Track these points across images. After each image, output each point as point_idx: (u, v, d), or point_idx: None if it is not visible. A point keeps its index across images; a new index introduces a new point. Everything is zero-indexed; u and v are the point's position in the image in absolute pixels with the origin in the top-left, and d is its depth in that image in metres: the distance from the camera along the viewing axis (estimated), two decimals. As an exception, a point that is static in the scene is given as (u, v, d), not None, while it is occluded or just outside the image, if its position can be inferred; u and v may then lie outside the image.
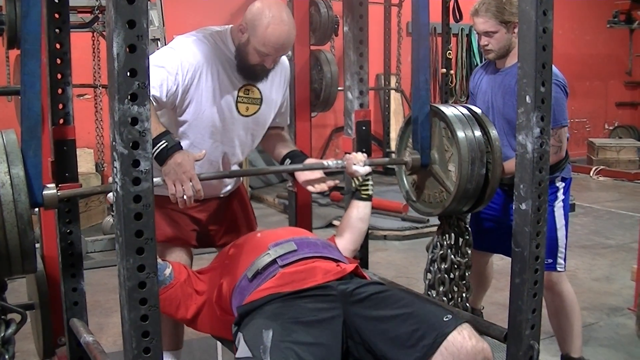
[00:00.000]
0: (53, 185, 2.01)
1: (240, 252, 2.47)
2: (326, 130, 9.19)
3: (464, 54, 9.64)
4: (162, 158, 2.29)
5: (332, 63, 6.40)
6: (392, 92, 9.11)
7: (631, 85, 11.95)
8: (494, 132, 2.53)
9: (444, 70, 5.06)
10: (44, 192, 1.97)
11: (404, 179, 2.84)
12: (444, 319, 2.01)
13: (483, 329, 2.25)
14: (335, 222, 6.47)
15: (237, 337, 2.17)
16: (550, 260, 3.07)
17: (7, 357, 1.99)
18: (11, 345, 2.00)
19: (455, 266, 2.74)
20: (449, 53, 4.93)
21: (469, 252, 2.77)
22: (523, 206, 1.86)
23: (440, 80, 5.11)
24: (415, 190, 2.81)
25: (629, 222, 6.88)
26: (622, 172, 9.45)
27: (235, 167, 2.85)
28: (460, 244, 2.75)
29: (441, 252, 2.73)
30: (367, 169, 2.64)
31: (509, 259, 1.99)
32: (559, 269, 3.16)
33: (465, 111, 2.58)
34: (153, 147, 2.26)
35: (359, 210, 2.68)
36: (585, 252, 5.79)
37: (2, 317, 2.00)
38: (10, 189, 1.81)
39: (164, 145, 2.30)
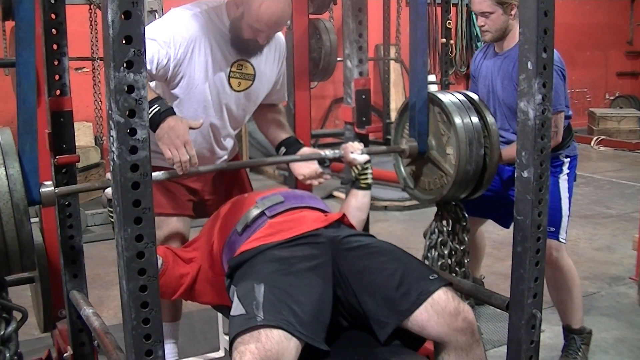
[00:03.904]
0: (50, 182, 1.97)
1: (229, 211, 2.50)
2: (325, 101, 9.15)
3: (464, 24, 9.55)
4: (155, 122, 2.24)
5: (330, 32, 6.34)
6: (392, 62, 9.04)
7: (632, 55, 11.88)
8: (490, 118, 2.50)
9: (444, 40, 5.01)
10: (42, 189, 1.93)
11: (401, 168, 2.79)
12: (430, 277, 2.02)
13: (485, 297, 2.24)
14: (336, 193, 6.45)
15: (230, 290, 2.18)
16: (553, 229, 3.07)
17: (8, 355, 1.97)
18: (12, 343, 1.98)
19: (453, 252, 2.72)
20: (449, 23, 4.88)
21: (466, 239, 2.74)
22: (525, 174, 1.83)
23: (440, 51, 5.05)
24: (413, 178, 2.77)
25: (630, 192, 6.89)
26: (623, 142, 9.44)
27: (227, 140, 2.83)
28: (457, 230, 2.72)
29: (440, 238, 2.70)
30: (366, 156, 2.59)
31: (511, 228, 1.98)
32: (561, 240, 3.15)
33: (461, 97, 2.56)
34: None
35: (358, 200, 2.64)
36: (587, 221, 5.80)
37: (3, 315, 1.98)
38: (6, 180, 1.77)
39: (157, 109, 2.25)
